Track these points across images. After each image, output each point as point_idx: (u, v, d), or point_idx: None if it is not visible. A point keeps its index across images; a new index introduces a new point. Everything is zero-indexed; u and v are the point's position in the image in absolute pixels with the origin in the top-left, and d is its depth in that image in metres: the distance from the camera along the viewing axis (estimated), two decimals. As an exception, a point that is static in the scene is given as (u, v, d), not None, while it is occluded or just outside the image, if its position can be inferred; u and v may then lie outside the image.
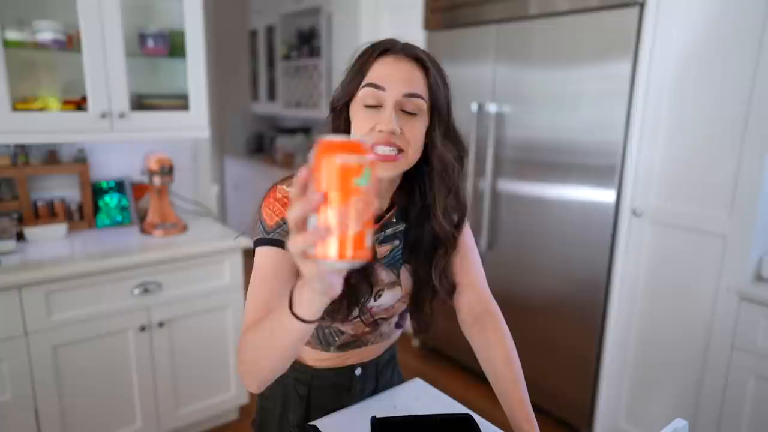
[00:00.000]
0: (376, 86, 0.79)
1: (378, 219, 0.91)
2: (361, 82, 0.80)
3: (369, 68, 0.80)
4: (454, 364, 2.74)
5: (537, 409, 0.90)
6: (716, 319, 1.77)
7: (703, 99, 1.74)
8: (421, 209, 0.91)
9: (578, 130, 2.06)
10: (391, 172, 0.82)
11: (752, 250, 1.69)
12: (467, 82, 2.47)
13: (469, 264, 0.99)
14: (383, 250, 0.92)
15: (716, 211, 1.75)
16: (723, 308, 1.74)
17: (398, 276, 0.94)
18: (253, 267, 0.83)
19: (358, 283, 0.87)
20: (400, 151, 0.80)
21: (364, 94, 0.80)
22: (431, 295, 0.95)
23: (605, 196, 2.00)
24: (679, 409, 1.91)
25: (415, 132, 0.81)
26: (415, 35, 2.65)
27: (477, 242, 2.41)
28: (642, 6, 1.81)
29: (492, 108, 2.36)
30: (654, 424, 1.98)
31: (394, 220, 0.93)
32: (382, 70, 0.79)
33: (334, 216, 0.48)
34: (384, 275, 0.93)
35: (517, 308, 2.35)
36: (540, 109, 2.20)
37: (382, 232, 0.92)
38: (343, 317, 0.89)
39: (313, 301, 0.61)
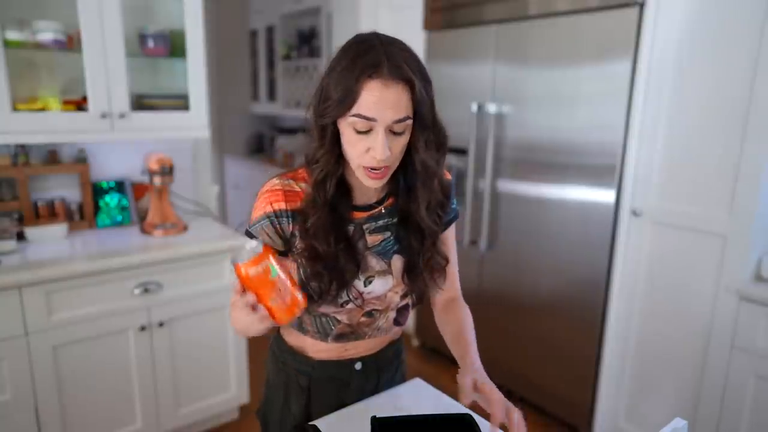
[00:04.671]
0: (366, 118, 0.80)
1: (370, 208, 0.96)
2: (349, 106, 0.80)
3: (357, 94, 0.79)
4: (454, 363, 2.73)
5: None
6: (716, 318, 1.77)
7: (702, 99, 1.74)
8: (406, 196, 0.97)
9: (578, 130, 2.06)
10: (378, 184, 0.88)
11: (752, 249, 1.69)
12: (467, 82, 2.47)
13: (450, 269, 1.06)
14: (374, 239, 0.97)
15: (716, 210, 1.75)
16: (723, 308, 1.75)
17: (389, 265, 0.98)
18: None
19: (346, 264, 0.92)
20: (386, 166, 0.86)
21: (354, 122, 0.81)
22: (421, 272, 1.00)
23: (605, 196, 2.00)
24: (678, 409, 1.91)
25: (400, 148, 0.86)
26: (415, 35, 2.65)
27: (477, 242, 2.41)
28: (642, 6, 1.81)
29: (492, 108, 2.36)
30: (653, 424, 1.98)
31: (385, 211, 0.98)
32: (370, 99, 0.79)
33: (269, 302, 0.76)
34: (374, 263, 0.97)
35: (516, 308, 2.35)
36: (540, 109, 2.20)
37: (374, 223, 0.96)
38: (331, 298, 0.93)
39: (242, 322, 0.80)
